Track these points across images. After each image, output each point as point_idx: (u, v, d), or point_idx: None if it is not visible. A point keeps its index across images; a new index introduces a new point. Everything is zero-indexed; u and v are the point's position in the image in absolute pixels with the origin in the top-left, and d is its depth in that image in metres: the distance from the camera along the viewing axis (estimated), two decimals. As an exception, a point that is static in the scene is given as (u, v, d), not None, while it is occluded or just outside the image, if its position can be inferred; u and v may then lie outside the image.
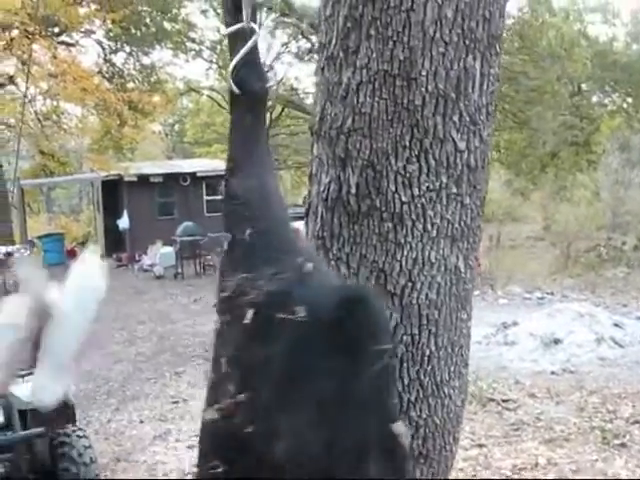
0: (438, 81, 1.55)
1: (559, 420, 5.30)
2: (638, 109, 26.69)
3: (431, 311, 1.74)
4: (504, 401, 5.83)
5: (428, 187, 1.63)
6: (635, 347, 7.27)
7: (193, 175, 19.97)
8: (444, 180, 1.63)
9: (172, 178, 19.81)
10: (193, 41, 23.85)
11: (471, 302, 1.89)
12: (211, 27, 26.58)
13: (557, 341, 7.58)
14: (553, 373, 6.75)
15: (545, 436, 5.00)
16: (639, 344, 7.34)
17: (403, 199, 1.63)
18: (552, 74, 20.50)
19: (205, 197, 20.22)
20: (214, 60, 26.21)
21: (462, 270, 1.76)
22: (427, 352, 1.76)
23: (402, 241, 1.67)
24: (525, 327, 8.19)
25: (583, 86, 27.87)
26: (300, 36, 27.95)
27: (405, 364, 1.75)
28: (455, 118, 1.59)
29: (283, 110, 30.99)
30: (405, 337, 1.73)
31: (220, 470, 1.12)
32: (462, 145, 1.62)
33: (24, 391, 3.07)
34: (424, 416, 1.81)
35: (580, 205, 19.35)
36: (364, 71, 1.59)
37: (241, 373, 1.15)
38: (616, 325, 7.77)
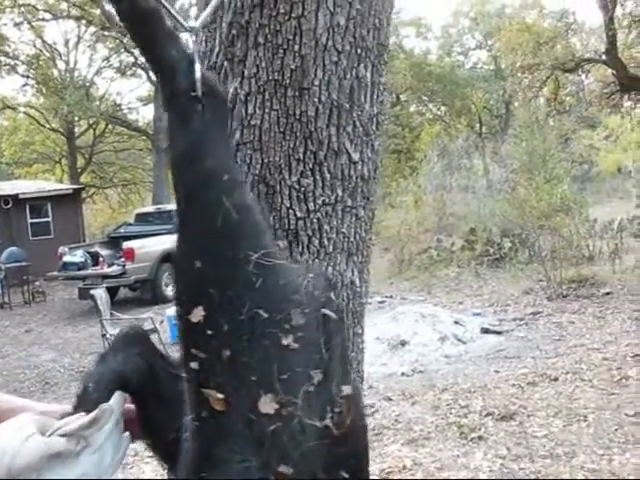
0: (331, 91, 1.49)
1: (417, 420, 5.45)
2: (454, 117, 28.52)
3: (330, 329, 1.68)
4: (362, 407, 5.91)
5: (324, 201, 1.56)
6: (476, 342, 7.68)
7: (15, 197, 18.68)
8: (339, 193, 1.58)
9: (-9, 201, 18.41)
10: (7, 55, 22.50)
11: (364, 316, 1.85)
12: (26, 40, 25.08)
13: (404, 343, 7.84)
14: (404, 374, 6.95)
15: (406, 437, 5.11)
16: (479, 339, 7.76)
17: (298, 214, 1.56)
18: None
19: (29, 220, 19.06)
20: (31, 75, 24.85)
21: (357, 285, 1.71)
22: (327, 372, 1.70)
23: (298, 258, 1.59)
24: (370, 332, 8.37)
25: (402, 96, 29.35)
26: (122, 50, 27.26)
27: (306, 387, 1.67)
28: (349, 129, 1.54)
29: (107, 126, 30.01)
30: (305, 359, 1.66)
31: None
32: (356, 156, 1.57)
33: None
34: (326, 438, 1.74)
35: (407, 210, 20.25)
36: (252, 81, 1.49)
37: None
38: (456, 323, 8.16)
